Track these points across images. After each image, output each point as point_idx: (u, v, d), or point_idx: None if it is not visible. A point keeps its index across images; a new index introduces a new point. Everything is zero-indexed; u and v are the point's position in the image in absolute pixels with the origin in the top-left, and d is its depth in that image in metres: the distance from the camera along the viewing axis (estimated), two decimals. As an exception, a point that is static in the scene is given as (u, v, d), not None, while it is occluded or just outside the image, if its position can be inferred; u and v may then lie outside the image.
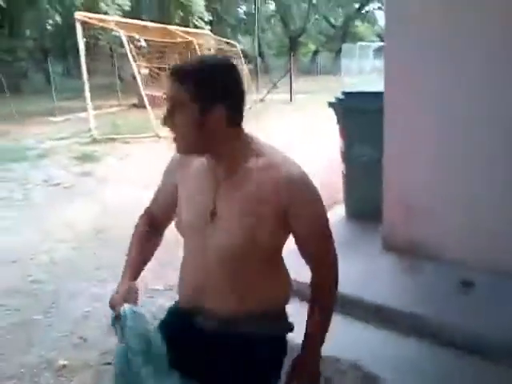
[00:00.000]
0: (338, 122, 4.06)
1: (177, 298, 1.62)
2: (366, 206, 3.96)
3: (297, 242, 1.42)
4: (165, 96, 1.32)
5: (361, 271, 3.29)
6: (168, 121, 1.30)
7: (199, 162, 1.42)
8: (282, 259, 1.54)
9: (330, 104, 4.02)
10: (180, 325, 1.49)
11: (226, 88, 1.28)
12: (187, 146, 1.33)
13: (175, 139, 1.33)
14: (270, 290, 1.46)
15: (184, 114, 1.26)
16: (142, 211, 1.71)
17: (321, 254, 1.45)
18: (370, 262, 3.40)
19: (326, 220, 1.43)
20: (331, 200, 5.24)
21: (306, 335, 1.48)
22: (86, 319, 3.28)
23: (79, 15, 10.92)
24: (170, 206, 1.53)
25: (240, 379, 1.41)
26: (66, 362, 2.81)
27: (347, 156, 4.08)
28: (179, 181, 1.49)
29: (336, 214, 4.26)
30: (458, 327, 2.67)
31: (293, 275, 1.62)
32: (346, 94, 4.04)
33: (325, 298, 1.49)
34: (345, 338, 2.81)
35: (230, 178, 1.35)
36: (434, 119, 3.17)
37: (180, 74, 1.27)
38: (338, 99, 4.03)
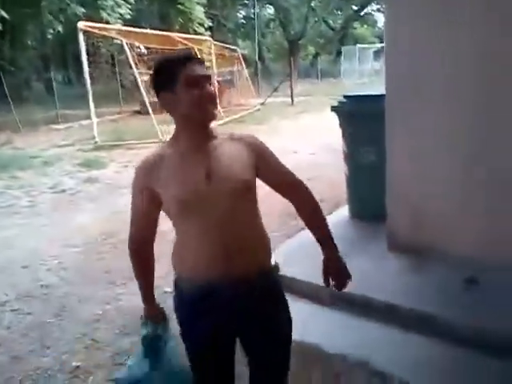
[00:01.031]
0: (341, 125, 4.13)
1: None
2: (369, 207, 4.02)
3: (273, 181, 1.74)
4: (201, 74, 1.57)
5: (366, 270, 3.34)
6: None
7: (170, 155, 1.61)
8: None
9: (333, 108, 4.08)
10: (207, 298, 1.60)
11: None
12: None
13: (214, 107, 1.59)
14: (268, 240, 1.74)
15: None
16: (132, 238, 1.71)
17: (293, 178, 1.78)
18: (375, 262, 3.45)
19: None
20: (335, 200, 5.33)
21: (320, 239, 1.77)
22: (97, 322, 3.35)
23: (82, 25, 11.01)
24: (154, 213, 1.65)
25: (283, 322, 1.78)
26: (79, 364, 2.88)
27: (350, 158, 4.14)
28: (156, 180, 1.58)
29: (340, 215, 4.32)
30: (464, 324, 2.71)
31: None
32: (347, 97, 4.11)
33: (316, 207, 1.78)
34: (353, 336, 2.87)
35: (212, 145, 1.62)
36: (436, 120, 3.22)
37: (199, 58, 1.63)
38: (341, 103, 4.09)
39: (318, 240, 1.77)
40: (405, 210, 3.46)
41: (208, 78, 1.60)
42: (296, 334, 2.87)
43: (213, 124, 1.66)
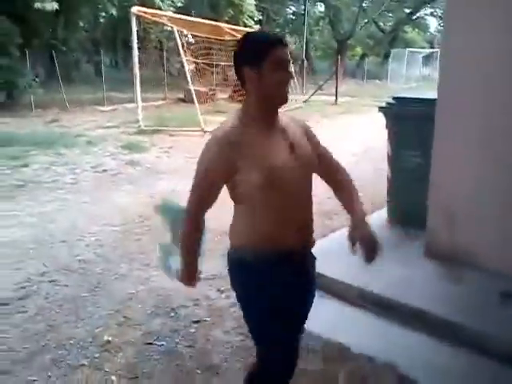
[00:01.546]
0: (387, 126, 4.07)
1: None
2: (409, 212, 3.96)
3: (320, 162, 1.85)
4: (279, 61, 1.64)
5: (402, 276, 3.30)
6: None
7: (248, 131, 1.67)
8: None
9: (381, 108, 4.03)
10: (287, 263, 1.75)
11: None
12: None
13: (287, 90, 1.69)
14: None
15: None
16: (192, 213, 1.78)
17: (337, 162, 1.93)
18: (411, 268, 3.41)
19: None
20: (372, 202, 5.26)
21: (352, 209, 1.83)
22: (130, 300, 3.42)
23: (135, 10, 11.19)
24: (221, 187, 1.73)
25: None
26: (110, 339, 2.95)
27: (394, 160, 4.08)
28: (240, 154, 1.63)
29: (378, 218, 4.27)
30: (495, 337, 2.66)
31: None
32: (396, 99, 4.04)
33: (355, 190, 1.90)
34: (382, 339, 2.85)
35: (282, 124, 1.75)
36: (486, 129, 3.15)
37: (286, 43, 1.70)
38: (389, 104, 4.04)
39: (353, 209, 1.83)
40: (446, 216, 3.40)
41: (290, 62, 1.71)
42: (325, 332, 2.89)
43: None
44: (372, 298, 3.15)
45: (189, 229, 1.81)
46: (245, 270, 1.77)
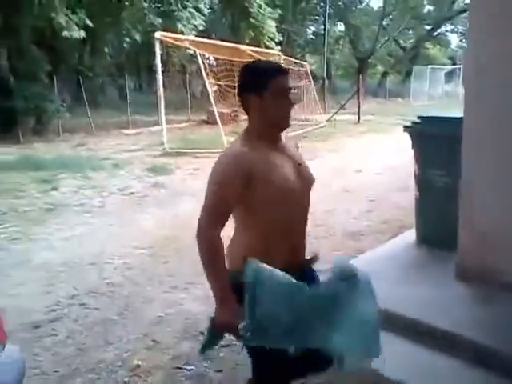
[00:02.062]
0: (413, 145, 4.04)
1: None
2: (438, 232, 3.90)
3: None
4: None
5: (431, 298, 3.24)
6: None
7: (262, 154, 1.74)
8: None
9: (406, 128, 4.01)
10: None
11: None
12: None
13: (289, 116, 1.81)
14: None
15: None
16: (212, 230, 1.69)
17: None
18: (441, 289, 3.34)
19: None
20: (399, 223, 5.21)
21: None
22: (159, 324, 3.44)
23: (159, 35, 11.47)
24: (235, 203, 1.74)
25: None
26: (139, 363, 2.96)
27: (421, 180, 4.04)
28: (254, 171, 1.69)
29: (406, 239, 4.21)
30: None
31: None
32: (422, 118, 4.02)
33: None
34: (412, 363, 2.79)
35: (284, 146, 1.87)
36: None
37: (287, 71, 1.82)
38: (414, 123, 4.02)
39: None
40: (477, 237, 3.33)
41: (291, 90, 1.82)
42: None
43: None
44: (401, 321, 3.09)
45: (212, 250, 1.69)
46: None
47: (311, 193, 1.90)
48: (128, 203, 6.89)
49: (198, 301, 3.63)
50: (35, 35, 14.76)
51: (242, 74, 1.82)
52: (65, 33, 13.49)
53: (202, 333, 3.25)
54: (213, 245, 1.69)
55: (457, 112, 3.80)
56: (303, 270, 1.86)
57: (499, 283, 3.21)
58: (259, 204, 1.72)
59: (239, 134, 1.88)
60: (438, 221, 3.90)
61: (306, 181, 1.85)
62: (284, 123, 1.80)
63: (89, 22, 14.06)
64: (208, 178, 1.76)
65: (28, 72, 14.10)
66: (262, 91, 1.72)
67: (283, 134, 1.90)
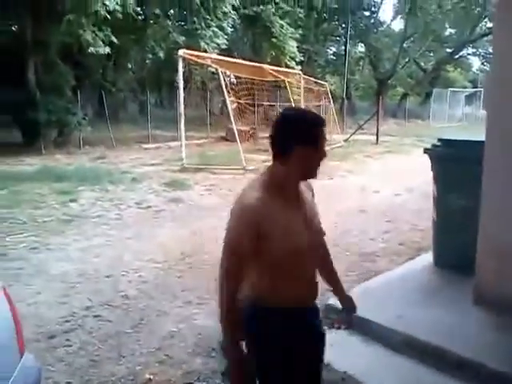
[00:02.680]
0: (433, 168, 4.02)
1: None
2: (456, 256, 3.85)
3: None
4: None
5: (448, 323, 3.19)
6: None
7: (276, 207, 1.74)
8: None
9: (426, 150, 4.00)
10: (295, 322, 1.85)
11: None
12: None
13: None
14: None
15: None
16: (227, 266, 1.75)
17: (324, 240, 2.10)
18: (458, 314, 3.29)
19: None
20: (416, 245, 5.15)
21: (337, 285, 2.14)
22: (172, 338, 3.43)
23: (182, 52, 11.64)
24: (252, 247, 1.74)
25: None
26: (151, 377, 2.96)
27: (439, 202, 4.01)
28: (267, 221, 1.70)
29: (423, 261, 4.17)
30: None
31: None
32: (442, 140, 4.01)
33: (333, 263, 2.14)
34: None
35: (301, 193, 1.85)
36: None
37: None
38: (435, 146, 4.00)
39: (338, 284, 2.15)
40: (496, 262, 3.29)
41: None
42: (368, 380, 2.80)
43: None
44: (417, 345, 3.05)
45: (229, 284, 1.75)
46: (260, 321, 1.82)
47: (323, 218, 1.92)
48: (145, 217, 6.94)
49: (212, 317, 3.60)
50: (62, 51, 15.12)
51: (286, 121, 1.76)
52: (91, 49, 13.81)
53: (214, 349, 3.24)
54: (231, 278, 1.76)
55: (477, 135, 3.78)
56: (313, 307, 1.98)
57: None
58: (267, 254, 1.74)
59: (260, 174, 1.84)
60: (455, 243, 3.86)
61: (315, 235, 1.88)
62: (315, 174, 1.80)
63: (114, 39, 14.37)
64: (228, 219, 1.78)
65: (54, 86, 14.45)
66: (309, 143, 1.71)
67: None
